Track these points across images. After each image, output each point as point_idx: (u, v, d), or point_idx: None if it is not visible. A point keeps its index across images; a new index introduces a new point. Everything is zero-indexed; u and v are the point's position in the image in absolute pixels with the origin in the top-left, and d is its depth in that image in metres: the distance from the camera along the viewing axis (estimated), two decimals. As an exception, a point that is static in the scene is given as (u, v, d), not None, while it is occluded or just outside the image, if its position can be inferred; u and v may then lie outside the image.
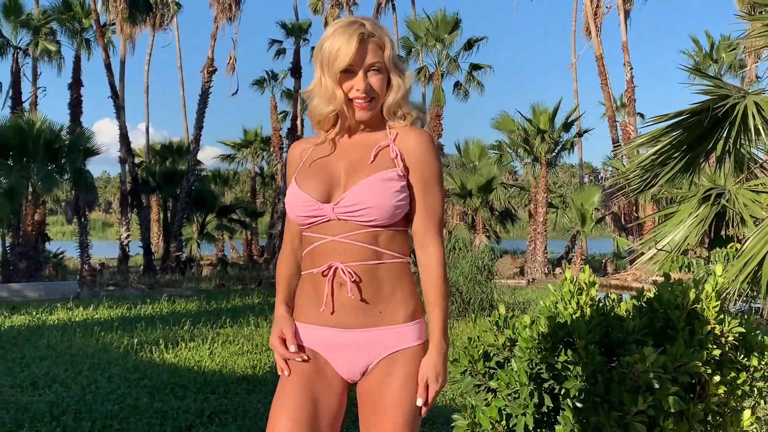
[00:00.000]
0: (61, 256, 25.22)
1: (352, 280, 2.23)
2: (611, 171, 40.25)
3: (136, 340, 9.95)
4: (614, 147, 27.80)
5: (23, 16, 27.04)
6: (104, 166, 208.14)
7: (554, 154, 25.73)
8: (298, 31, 33.37)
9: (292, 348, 2.26)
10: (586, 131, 28.52)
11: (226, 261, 31.58)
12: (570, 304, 3.12)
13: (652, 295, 3.20)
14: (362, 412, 2.31)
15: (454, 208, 26.08)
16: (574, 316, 3.05)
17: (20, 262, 21.08)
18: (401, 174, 2.26)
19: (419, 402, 2.22)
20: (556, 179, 36.24)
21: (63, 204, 26.20)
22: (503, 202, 27.31)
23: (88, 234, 24.86)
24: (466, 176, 25.62)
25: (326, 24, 31.91)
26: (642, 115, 35.87)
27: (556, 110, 24.88)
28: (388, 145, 2.30)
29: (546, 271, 24.80)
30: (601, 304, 3.22)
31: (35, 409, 6.22)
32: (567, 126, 25.42)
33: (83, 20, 27.61)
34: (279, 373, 2.30)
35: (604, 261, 27.94)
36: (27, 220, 21.46)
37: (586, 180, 46.93)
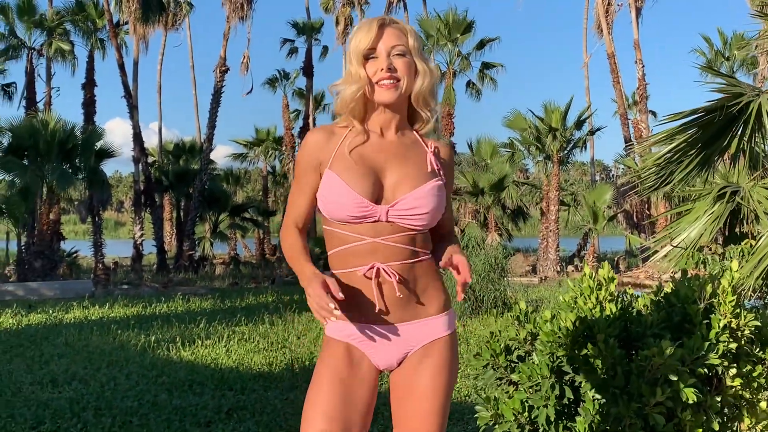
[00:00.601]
0: (75, 255, 25.37)
1: (398, 280, 2.27)
2: (623, 169, 40.14)
3: (152, 338, 10.03)
4: (626, 145, 27.76)
5: (37, 17, 27.22)
6: (116, 165, 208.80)
7: (566, 152, 25.73)
8: (309, 30, 33.43)
9: (340, 295, 2.20)
10: (598, 129, 28.56)
11: (238, 260, 31.68)
12: (590, 299, 3.18)
13: (669, 291, 3.25)
14: (395, 400, 2.37)
15: (466, 206, 26.10)
16: (593, 311, 3.12)
17: (35, 261, 21.23)
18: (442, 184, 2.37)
19: (464, 279, 2.31)
20: (568, 177, 36.32)
21: (76, 203, 26.35)
22: (515, 200, 27.30)
23: (102, 233, 25.02)
24: (478, 174, 25.61)
25: (337, 23, 32.01)
26: (654, 113, 35.79)
27: (567, 108, 24.89)
28: (433, 154, 2.39)
29: (558, 269, 24.79)
30: (619, 299, 3.28)
31: (56, 405, 6.30)
32: (579, 124, 25.43)
33: (96, 20, 27.77)
34: (326, 318, 2.19)
35: (616, 258, 27.92)
36: (42, 219, 21.60)
37: (597, 178, 46.86)
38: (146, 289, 20.09)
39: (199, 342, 9.82)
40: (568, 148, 25.66)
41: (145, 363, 8.37)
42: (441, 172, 2.39)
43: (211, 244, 32.38)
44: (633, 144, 27.00)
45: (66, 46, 27.80)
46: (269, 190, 40.34)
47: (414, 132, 2.44)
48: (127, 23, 27.43)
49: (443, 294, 2.39)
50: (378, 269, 2.28)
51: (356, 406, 2.28)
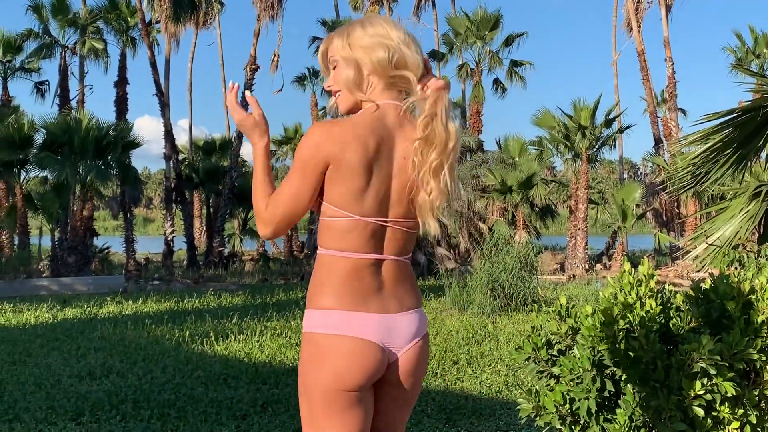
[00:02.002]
0: (106, 250, 25.66)
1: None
2: (651, 167, 39.83)
3: (186, 333, 10.17)
4: (656, 143, 27.61)
5: (70, 15, 27.56)
6: (144, 162, 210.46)
7: (595, 150, 25.61)
8: (338, 28, 33.49)
9: None
10: (627, 127, 28.37)
11: (267, 256, 31.83)
12: (630, 294, 3.24)
13: (708, 287, 3.30)
14: None
15: (494, 203, 26.06)
16: (634, 306, 3.17)
17: (69, 257, 21.51)
18: None
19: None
20: (595, 175, 36.03)
21: (106, 199, 26.59)
22: (543, 198, 27.24)
23: (133, 229, 25.28)
24: (506, 172, 25.55)
25: (366, 21, 31.99)
26: (683, 111, 35.52)
27: (596, 106, 24.77)
28: None
29: (586, 267, 24.67)
30: (659, 296, 3.33)
31: (95, 398, 6.42)
32: (608, 122, 25.29)
33: (129, 19, 28.01)
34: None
35: (645, 257, 27.71)
36: (75, 215, 21.88)
37: (625, 176, 46.57)
38: (177, 284, 20.29)
39: (232, 337, 9.94)
40: (597, 146, 25.55)
41: (180, 357, 8.50)
42: None
43: (241, 241, 32.58)
44: (663, 142, 26.84)
45: (99, 45, 28.06)
46: (297, 188, 40.41)
47: None
48: (158, 22, 27.68)
49: (315, 290, 2.30)
50: None
51: None
